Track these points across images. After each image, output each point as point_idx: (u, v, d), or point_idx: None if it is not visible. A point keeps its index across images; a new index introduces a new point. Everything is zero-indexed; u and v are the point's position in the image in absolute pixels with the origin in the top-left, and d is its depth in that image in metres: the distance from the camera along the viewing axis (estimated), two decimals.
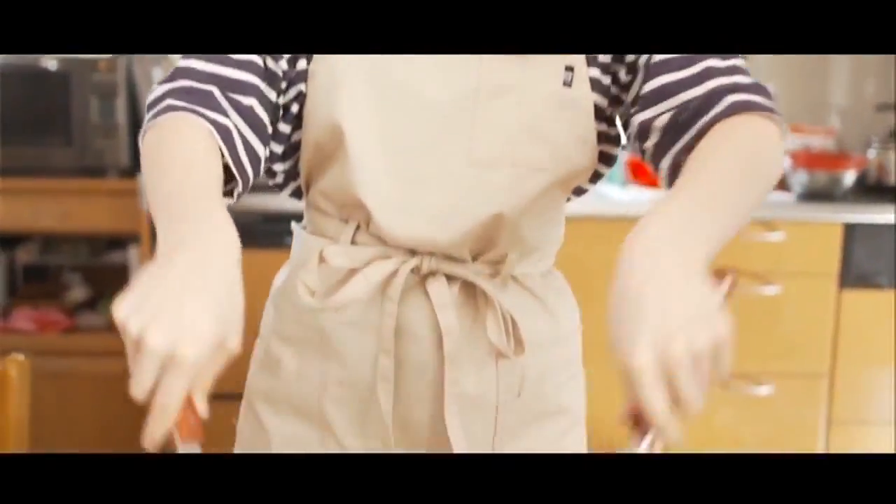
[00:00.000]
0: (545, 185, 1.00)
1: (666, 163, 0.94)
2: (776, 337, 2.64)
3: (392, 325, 1.01)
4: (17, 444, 1.46)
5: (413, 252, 1.01)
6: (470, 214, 0.99)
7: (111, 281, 2.95)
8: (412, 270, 1.01)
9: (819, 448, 2.71)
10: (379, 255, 1.01)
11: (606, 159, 1.07)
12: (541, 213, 1.02)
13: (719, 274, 0.76)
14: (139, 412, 2.47)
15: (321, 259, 1.02)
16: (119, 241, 2.91)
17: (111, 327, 2.90)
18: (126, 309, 0.69)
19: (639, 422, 0.72)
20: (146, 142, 0.89)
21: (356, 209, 1.01)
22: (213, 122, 0.89)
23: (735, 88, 0.90)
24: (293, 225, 1.11)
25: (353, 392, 1.05)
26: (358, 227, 1.02)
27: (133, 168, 2.71)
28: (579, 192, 1.11)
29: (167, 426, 0.70)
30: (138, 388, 0.69)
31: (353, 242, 1.03)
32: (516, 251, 1.03)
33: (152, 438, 0.70)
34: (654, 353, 0.68)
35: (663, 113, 0.93)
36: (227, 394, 1.46)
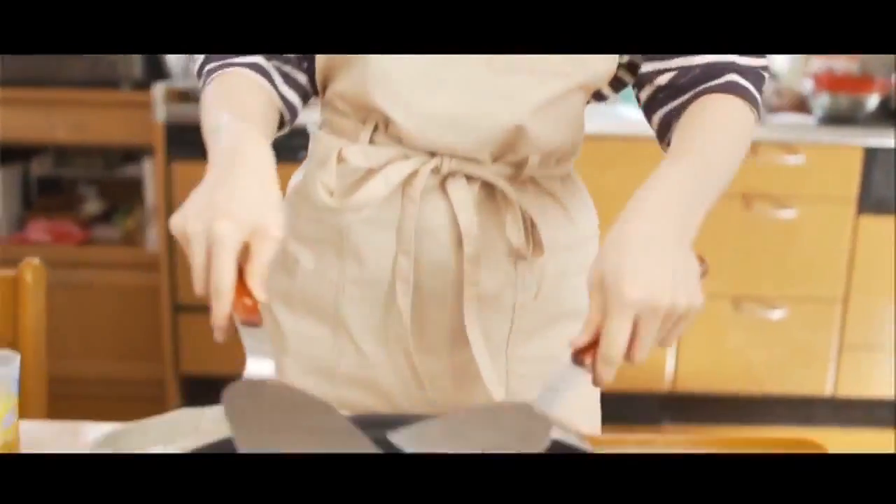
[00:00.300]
0: (565, 91, 0.99)
1: (657, 118, 1.02)
2: (791, 261, 2.63)
3: (412, 227, 1.02)
4: (34, 348, 1.48)
5: (432, 153, 1.01)
6: (490, 121, 0.99)
7: (126, 194, 2.96)
8: (432, 171, 1.01)
9: (829, 373, 2.72)
10: (398, 155, 1.01)
11: (632, 69, 1.05)
12: (561, 117, 1.02)
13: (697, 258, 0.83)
14: (152, 323, 2.50)
15: (340, 159, 1.02)
16: (133, 155, 2.90)
17: (126, 240, 2.92)
18: (174, 221, 0.81)
19: (582, 354, 0.79)
20: (201, 106, 0.99)
21: (373, 111, 1.00)
22: (249, 65, 1.01)
23: (734, 68, 0.96)
24: (308, 125, 1.10)
25: (371, 292, 1.06)
26: (376, 128, 1.02)
27: (146, 80, 2.69)
28: (600, 97, 1.10)
29: (226, 309, 0.78)
30: (197, 282, 0.80)
31: (371, 143, 1.03)
32: (536, 155, 1.02)
33: (217, 324, 0.79)
34: (643, 294, 0.75)
35: (664, 72, 0.99)
36: None
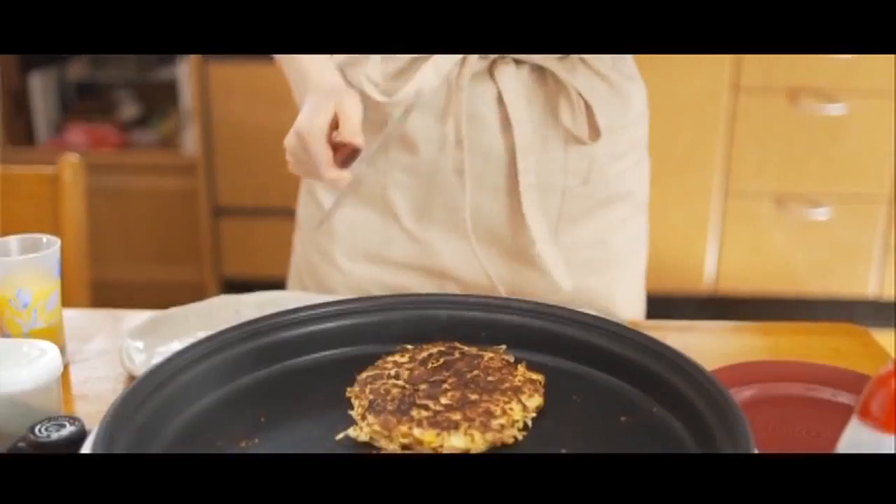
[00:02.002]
0: None
1: None
2: (837, 158, 2.57)
3: (462, 113, 1.00)
4: (75, 243, 1.49)
5: None
6: None
7: (162, 98, 2.94)
8: (480, 56, 0.99)
9: (873, 273, 2.68)
10: None
11: None
12: None
13: None
14: (191, 227, 2.52)
15: None
16: (167, 57, 2.88)
17: (163, 143, 2.92)
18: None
19: None
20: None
21: None
22: None
23: None
24: None
25: (418, 178, 1.06)
26: None
27: None
28: None
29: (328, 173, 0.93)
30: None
31: None
32: None
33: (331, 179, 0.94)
34: None
35: None
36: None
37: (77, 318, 1.08)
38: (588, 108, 1.01)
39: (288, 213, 1.20)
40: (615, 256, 1.10)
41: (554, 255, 1.04)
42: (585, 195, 1.07)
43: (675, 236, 2.64)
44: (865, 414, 0.59)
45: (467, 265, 1.08)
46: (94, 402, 0.88)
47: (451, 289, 1.09)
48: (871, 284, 2.70)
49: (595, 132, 1.02)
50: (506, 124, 1.01)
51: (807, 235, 2.66)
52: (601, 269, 1.10)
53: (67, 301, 1.51)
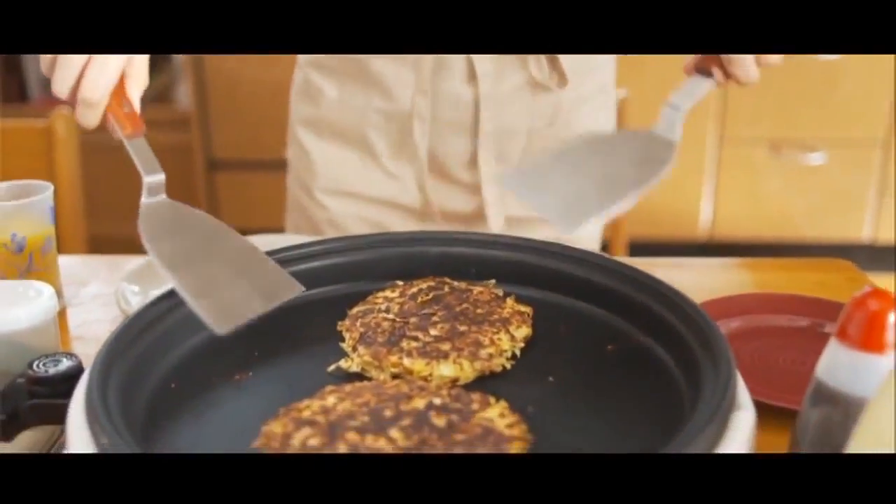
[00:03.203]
0: None
1: None
2: (832, 103, 2.57)
3: (430, 64, 1.04)
4: (70, 195, 1.50)
5: None
6: None
7: (156, 57, 2.93)
8: None
9: (867, 217, 2.69)
10: None
11: None
12: None
13: None
14: (187, 181, 2.51)
15: None
16: None
17: (156, 98, 2.91)
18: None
19: (706, 63, 0.81)
20: None
21: None
22: None
23: None
24: None
25: (393, 122, 1.09)
26: None
27: None
28: None
29: (96, 118, 0.75)
30: (63, 84, 0.73)
31: None
32: None
33: (84, 125, 0.75)
34: None
35: None
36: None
37: (74, 265, 1.09)
38: (554, 56, 1.04)
39: (284, 165, 1.21)
40: None
41: (496, 196, 1.08)
42: (550, 136, 1.10)
43: (671, 184, 2.63)
44: (843, 334, 0.60)
45: (429, 208, 1.12)
46: (90, 343, 0.89)
47: (436, 226, 1.11)
48: (867, 229, 2.72)
49: (563, 79, 1.05)
50: (472, 74, 1.04)
51: (802, 181, 2.66)
52: None
53: (64, 247, 1.52)
